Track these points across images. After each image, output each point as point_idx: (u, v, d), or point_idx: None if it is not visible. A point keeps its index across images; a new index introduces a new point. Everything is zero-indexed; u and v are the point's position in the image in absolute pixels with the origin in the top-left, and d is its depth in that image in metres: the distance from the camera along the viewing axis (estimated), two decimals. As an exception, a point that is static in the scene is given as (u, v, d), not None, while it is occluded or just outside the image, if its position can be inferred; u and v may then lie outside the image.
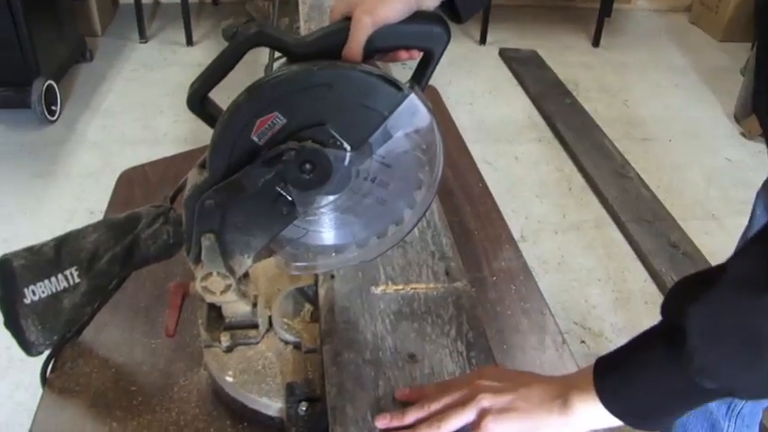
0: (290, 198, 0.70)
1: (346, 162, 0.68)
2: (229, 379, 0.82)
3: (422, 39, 0.68)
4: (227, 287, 0.77)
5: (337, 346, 0.79)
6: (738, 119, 3.21)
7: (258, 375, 0.83)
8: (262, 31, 0.65)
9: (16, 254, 0.85)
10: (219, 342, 0.84)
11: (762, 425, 1.26)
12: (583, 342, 2.04)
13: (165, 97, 3.11)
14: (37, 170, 2.61)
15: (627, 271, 2.32)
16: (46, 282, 0.85)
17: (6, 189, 2.50)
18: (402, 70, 0.86)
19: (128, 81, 3.27)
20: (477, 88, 3.40)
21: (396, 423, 0.70)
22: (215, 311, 0.85)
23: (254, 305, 0.83)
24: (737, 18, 3.94)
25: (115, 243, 0.85)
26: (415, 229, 0.80)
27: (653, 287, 2.25)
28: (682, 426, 1.28)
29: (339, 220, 0.74)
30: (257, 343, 0.86)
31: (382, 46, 0.67)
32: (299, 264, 0.77)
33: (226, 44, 0.66)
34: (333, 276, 0.89)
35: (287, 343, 0.87)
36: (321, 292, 0.88)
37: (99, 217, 0.98)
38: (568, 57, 3.74)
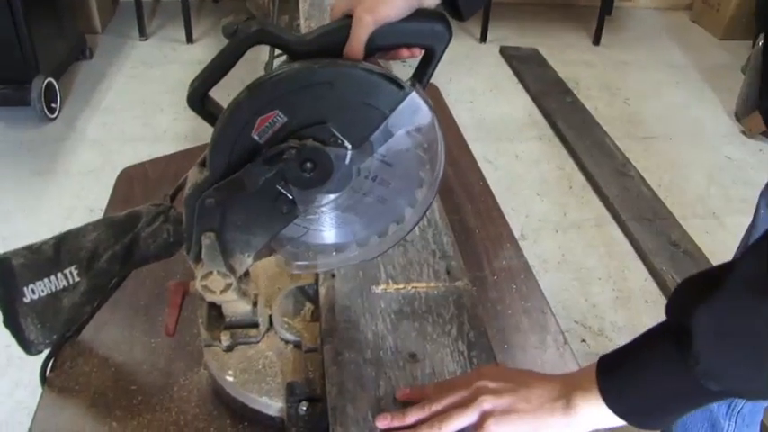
0: (290, 197, 0.69)
1: (347, 160, 0.68)
2: (229, 378, 0.82)
3: (423, 37, 0.68)
4: (228, 286, 0.77)
5: (338, 346, 0.79)
6: (739, 117, 3.21)
7: (258, 375, 0.82)
8: (262, 29, 0.65)
9: (16, 252, 0.85)
10: (220, 341, 0.84)
11: (762, 424, 1.26)
12: (583, 341, 2.04)
13: (165, 95, 3.10)
14: (36, 168, 2.61)
15: (627, 270, 2.32)
16: (45, 280, 0.85)
17: (6, 187, 2.50)
18: (403, 68, 0.85)
19: (128, 79, 3.27)
20: (477, 86, 3.39)
21: (396, 423, 0.70)
22: (215, 310, 0.84)
23: (255, 304, 0.83)
24: (738, 16, 3.94)
25: (115, 242, 0.84)
26: (416, 228, 0.80)
27: (653, 286, 2.24)
28: (682, 425, 1.28)
29: (340, 219, 0.74)
30: (257, 342, 0.86)
31: (383, 44, 0.67)
32: (299, 262, 0.77)
33: (226, 42, 0.66)
34: (333, 275, 0.89)
35: (287, 342, 0.86)
36: (322, 291, 0.88)
37: (99, 215, 0.98)
38: (569, 55, 3.74)
